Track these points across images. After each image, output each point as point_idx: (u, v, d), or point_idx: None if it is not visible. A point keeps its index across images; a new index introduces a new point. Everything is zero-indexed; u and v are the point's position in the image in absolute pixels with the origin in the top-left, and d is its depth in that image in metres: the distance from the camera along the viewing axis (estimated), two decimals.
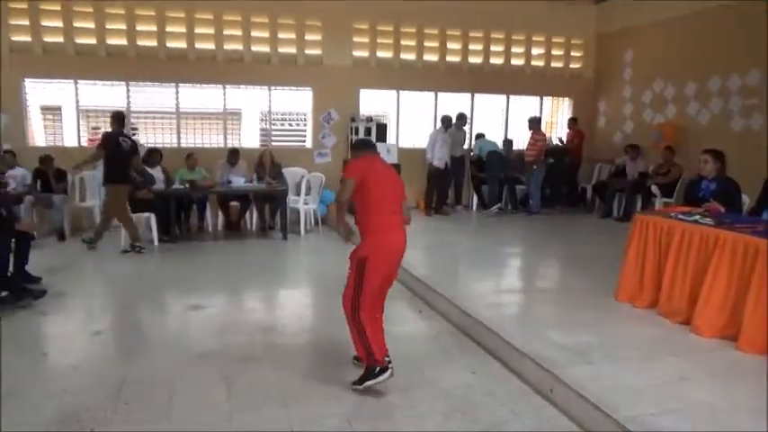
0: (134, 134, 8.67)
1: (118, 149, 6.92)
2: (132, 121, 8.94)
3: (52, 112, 9.14)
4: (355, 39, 9.71)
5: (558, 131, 11.25)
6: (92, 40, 8.53)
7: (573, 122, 10.72)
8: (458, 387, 3.47)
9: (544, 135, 9.89)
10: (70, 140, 8.91)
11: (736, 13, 8.05)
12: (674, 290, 4.23)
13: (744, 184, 4.94)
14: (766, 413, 2.86)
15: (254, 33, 9.19)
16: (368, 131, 8.78)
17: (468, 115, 10.26)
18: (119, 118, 7.14)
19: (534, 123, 9.72)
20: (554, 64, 10.87)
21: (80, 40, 8.50)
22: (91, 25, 8.51)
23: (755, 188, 5.20)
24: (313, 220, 8.74)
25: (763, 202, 4.73)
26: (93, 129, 9.11)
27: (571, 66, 10.99)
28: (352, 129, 9.47)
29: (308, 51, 9.48)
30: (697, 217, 4.31)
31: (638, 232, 4.61)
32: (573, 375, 3.26)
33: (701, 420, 2.80)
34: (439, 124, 9.50)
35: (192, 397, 3.32)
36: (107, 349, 4.13)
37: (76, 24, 8.45)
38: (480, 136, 10.17)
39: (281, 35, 9.31)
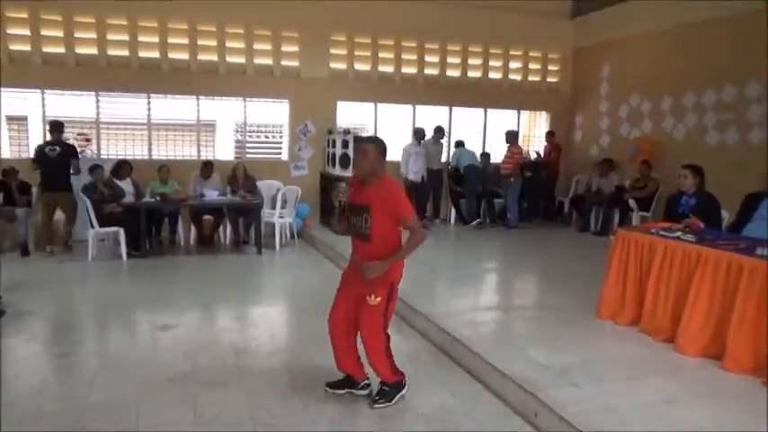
0: (85, 144, 8.46)
1: (45, 159, 7.41)
2: (102, 131, 8.68)
3: (17, 122, 8.83)
4: (332, 50, 9.61)
5: (535, 145, 11.27)
6: (60, 49, 8.26)
7: (550, 136, 10.74)
8: (437, 410, 3.33)
9: (521, 148, 9.84)
10: None
11: (710, 29, 8.15)
12: (656, 307, 4.16)
13: (722, 200, 4.92)
14: None
15: (230, 44, 9.02)
16: (345, 144, 8.65)
17: (447, 128, 10.19)
18: (51, 126, 7.68)
19: (511, 137, 9.66)
20: (531, 78, 10.91)
21: (48, 49, 8.22)
22: (59, 34, 8.24)
23: (731, 203, 5.19)
24: (288, 234, 8.56)
25: (743, 217, 4.70)
26: (80, 134, 8.87)
27: (548, 79, 11.04)
28: (329, 141, 9.33)
29: (284, 63, 9.34)
30: (679, 233, 4.27)
31: (620, 248, 4.55)
32: (556, 397, 3.15)
33: None
34: (412, 138, 9.43)
35: (158, 424, 3.12)
36: (71, 372, 3.89)
37: (44, 33, 8.17)
38: (460, 144, 10.08)
39: (256, 46, 9.16)
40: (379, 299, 3.15)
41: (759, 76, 7.52)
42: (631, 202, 8.66)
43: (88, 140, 8.95)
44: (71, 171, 7.53)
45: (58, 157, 7.46)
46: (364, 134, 9.82)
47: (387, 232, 3.16)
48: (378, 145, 3.22)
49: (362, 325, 3.21)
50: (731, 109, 7.96)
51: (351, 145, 8.45)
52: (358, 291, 3.21)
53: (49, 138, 7.69)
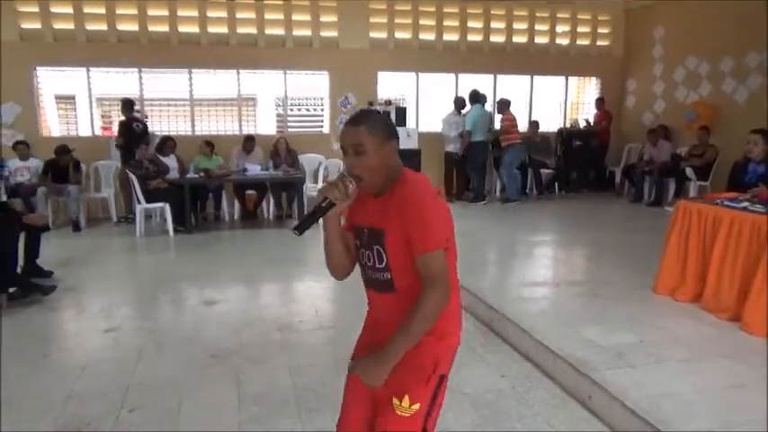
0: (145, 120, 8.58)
1: (132, 134, 7.74)
2: (146, 108, 8.76)
3: (66, 101, 9.00)
4: (372, 19, 9.36)
5: (584, 112, 10.81)
6: (103, 27, 8.30)
7: (600, 103, 10.26)
8: (486, 392, 3.20)
9: (514, 117, 9.17)
10: (84, 130, 8.76)
11: None
12: (721, 283, 3.89)
13: None
14: None
15: (268, 16, 8.88)
16: (387, 115, 8.45)
17: (490, 97, 9.79)
18: (125, 104, 7.93)
19: (503, 106, 9.09)
20: (580, 42, 10.39)
21: (91, 27, 8.28)
22: (101, 11, 8.28)
23: None
24: None
25: None
26: (103, 116, 9.02)
27: (598, 43, 10.49)
28: None
29: (323, 33, 9.15)
30: (746, 204, 3.96)
31: (681, 220, 4.26)
32: (613, 380, 2.96)
33: None
34: (452, 107, 9.12)
35: (202, 403, 3.11)
36: (117, 349, 3.92)
37: (87, 10, 8.23)
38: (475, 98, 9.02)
39: (295, 17, 8.99)
40: (417, 406, 1.74)
41: None
42: (688, 171, 8.21)
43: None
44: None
45: (141, 134, 7.90)
46: (404, 104, 9.53)
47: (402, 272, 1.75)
48: (382, 128, 1.76)
49: None
50: None
51: (392, 116, 8.27)
52: (377, 389, 1.76)
53: (124, 116, 8.00)
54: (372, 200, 1.78)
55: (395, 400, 1.73)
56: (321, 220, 1.79)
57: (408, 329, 1.64)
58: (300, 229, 1.74)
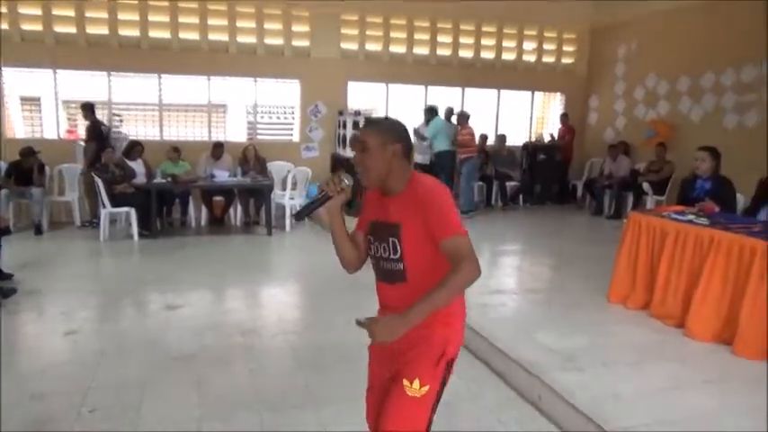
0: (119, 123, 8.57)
1: (100, 137, 7.72)
2: (115, 111, 8.72)
3: (31, 102, 8.88)
4: (343, 30, 9.49)
5: (549, 127, 11.11)
6: (72, 29, 8.24)
7: (564, 118, 10.58)
8: (443, 393, 3.30)
9: (472, 129, 9.08)
10: (50, 132, 8.66)
11: (729, 5, 7.90)
12: (667, 291, 4.09)
13: (737, 184, 4.81)
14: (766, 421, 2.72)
15: (240, 24, 8.95)
16: (356, 125, 8.57)
17: (458, 109, 9.97)
18: (87, 108, 7.93)
19: (461, 118, 8.96)
20: (546, 59, 10.71)
21: (60, 29, 8.22)
22: (71, 13, 8.23)
23: (748, 187, 5.08)
24: None
25: (759, 201, 4.60)
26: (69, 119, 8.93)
27: (563, 60, 10.83)
28: (340, 122, 9.27)
29: (295, 43, 9.25)
30: (691, 217, 4.18)
31: (631, 231, 4.48)
32: (562, 382, 3.11)
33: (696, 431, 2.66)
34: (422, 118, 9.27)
35: (163, 403, 3.15)
36: (77, 351, 3.92)
37: (56, 12, 8.16)
38: (431, 112, 9.00)
39: (267, 26, 9.08)
40: (426, 388, 1.85)
41: None
42: (645, 186, 8.52)
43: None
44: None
45: (107, 137, 7.90)
46: (374, 115, 9.65)
47: (431, 264, 1.88)
48: (387, 130, 1.95)
49: (389, 419, 1.86)
50: (752, 90, 7.75)
51: (361, 126, 8.38)
52: (391, 369, 1.95)
53: (87, 119, 7.94)
54: (386, 199, 1.96)
55: (405, 382, 1.84)
56: (328, 219, 2.03)
57: (436, 295, 1.75)
58: (299, 216, 2.06)
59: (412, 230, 1.87)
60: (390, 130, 1.95)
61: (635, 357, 3.52)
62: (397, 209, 1.91)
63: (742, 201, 5.06)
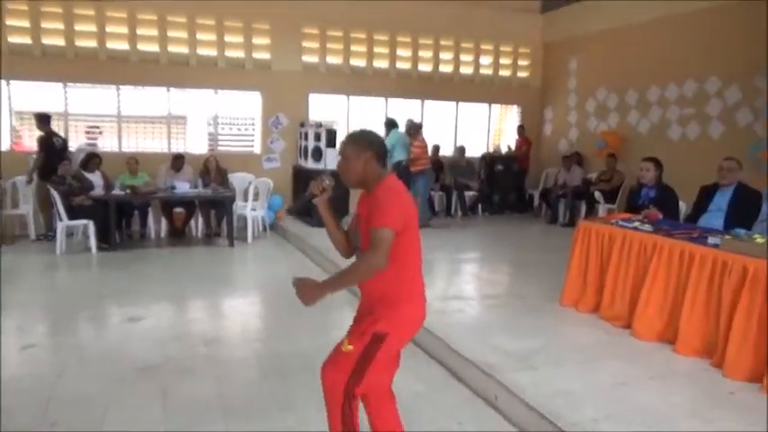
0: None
1: (52, 149, 7.53)
2: (71, 123, 8.59)
3: None
4: (304, 43, 9.61)
5: (506, 139, 11.44)
6: (26, 40, 8.11)
7: (521, 130, 10.93)
8: (403, 396, 3.41)
9: (424, 141, 8.98)
10: (3, 144, 8.45)
11: (671, 25, 8.38)
12: (615, 295, 4.32)
13: (681, 192, 5.11)
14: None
15: (200, 36, 8.97)
16: (317, 137, 8.67)
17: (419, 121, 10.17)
18: (43, 118, 7.69)
19: (412, 129, 8.74)
20: (502, 72, 11.05)
21: (14, 39, 8.08)
22: (26, 24, 8.10)
23: (692, 195, 5.38)
24: (261, 227, 8.57)
25: (699, 208, 4.89)
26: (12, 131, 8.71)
27: (519, 74, 11.20)
28: (301, 134, 9.35)
29: (256, 55, 9.31)
30: (636, 223, 4.42)
31: (582, 238, 4.70)
32: (516, 381, 3.26)
33: (641, 424, 2.84)
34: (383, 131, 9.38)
35: (126, 415, 3.16)
36: (36, 365, 3.88)
37: (9, 22, 8.03)
38: (391, 125, 8.87)
39: (228, 38, 9.12)
40: (351, 347, 2.28)
41: (719, 72, 7.77)
42: (597, 195, 8.88)
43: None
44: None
45: (62, 149, 7.75)
46: (335, 127, 9.75)
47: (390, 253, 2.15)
48: (360, 141, 2.34)
49: (325, 362, 2.36)
50: (692, 103, 8.20)
51: (323, 138, 8.48)
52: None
53: (41, 130, 7.73)
54: (365, 196, 2.35)
55: (344, 340, 2.33)
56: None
57: (342, 275, 2.22)
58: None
59: (366, 223, 2.24)
60: (363, 140, 2.35)
61: (585, 357, 3.72)
62: (365, 204, 2.30)
63: (684, 208, 5.36)
